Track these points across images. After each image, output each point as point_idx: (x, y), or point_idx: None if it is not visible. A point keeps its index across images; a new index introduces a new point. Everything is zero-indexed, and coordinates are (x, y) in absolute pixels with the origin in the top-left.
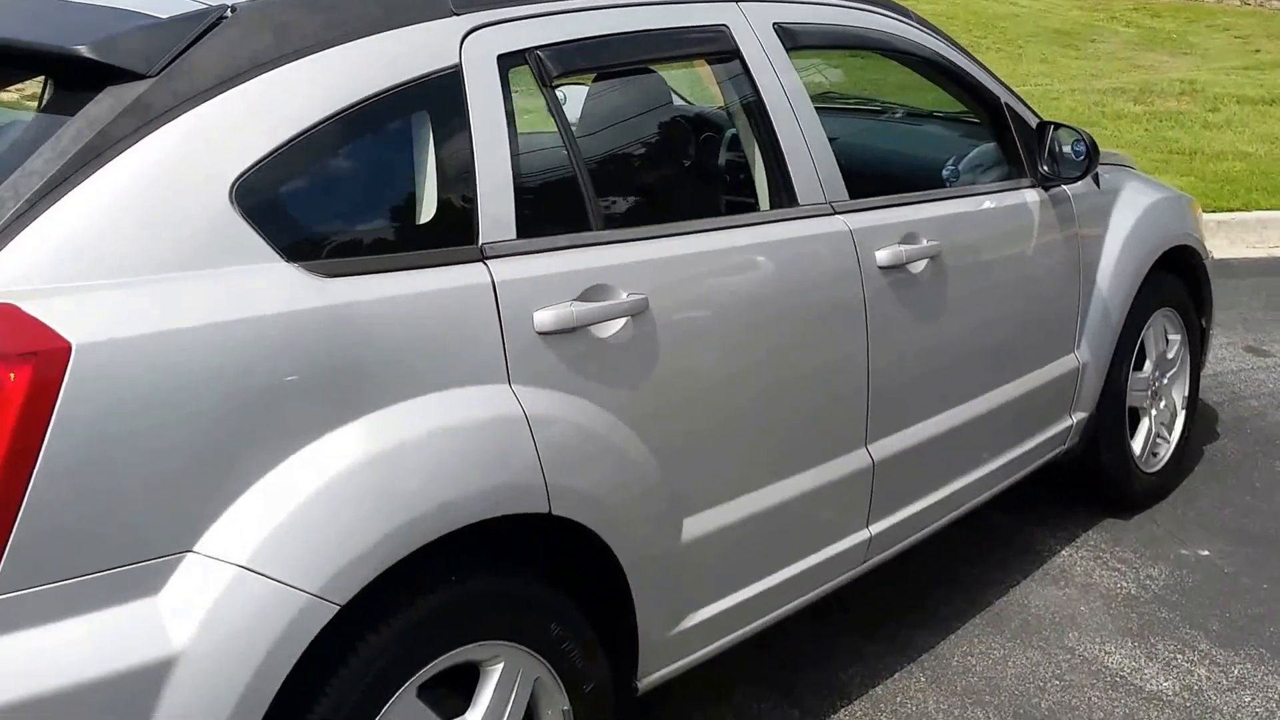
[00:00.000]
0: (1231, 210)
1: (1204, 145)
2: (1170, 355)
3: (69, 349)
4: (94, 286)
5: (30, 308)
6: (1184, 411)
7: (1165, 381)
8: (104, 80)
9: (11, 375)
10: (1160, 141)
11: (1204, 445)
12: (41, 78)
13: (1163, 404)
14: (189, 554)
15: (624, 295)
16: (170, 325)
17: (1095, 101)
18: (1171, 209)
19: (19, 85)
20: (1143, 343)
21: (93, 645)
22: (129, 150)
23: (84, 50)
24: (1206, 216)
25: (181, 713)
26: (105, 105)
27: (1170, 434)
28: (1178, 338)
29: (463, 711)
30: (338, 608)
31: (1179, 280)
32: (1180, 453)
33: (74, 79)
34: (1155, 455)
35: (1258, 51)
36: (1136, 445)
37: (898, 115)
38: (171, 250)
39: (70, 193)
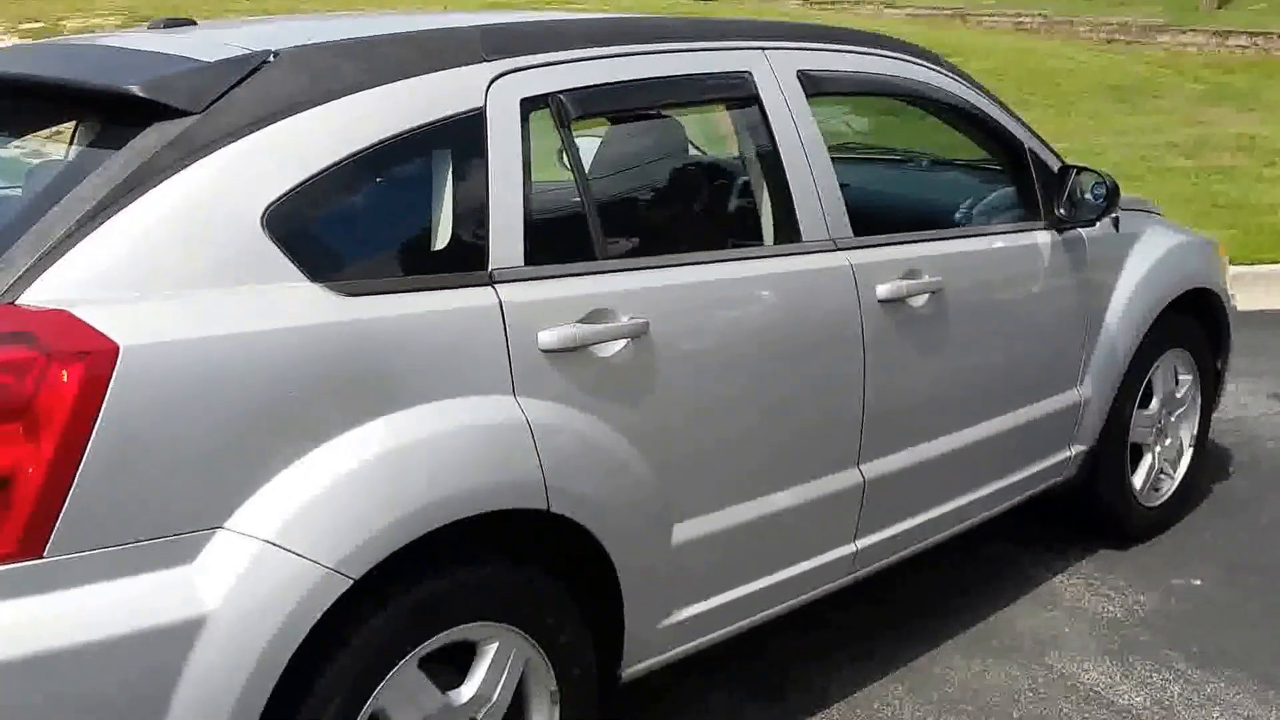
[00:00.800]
0: (1273, 262)
1: (1253, 199)
2: (1180, 395)
3: (117, 350)
4: (139, 297)
5: (82, 313)
6: (1191, 450)
7: (1173, 420)
8: (152, 116)
9: (64, 374)
10: (1206, 195)
11: (1214, 484)
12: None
13: (1168, 441)
14: (220, 530)
15: (625, 319)
16: (206, 333)
17: (1142, 156)
18: (1191, 253)
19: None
20: (1151, 381)
21: (134, 603)
22: (172, 178)
23: (137, 90)
24: (1247, 268)
25: (210, 666)
26: (152, 138)
27: (1175, 471)
28: (1189, 378)
29: (458, 685)
30: (351, 581)
31: (1195, 322)
32: (1185, 489)
33: (125, 115)
34: (1157, 490)
35: None
36: (1138, 480)
37: (922, 161)
38: (208, 268)
39: (117, 215)
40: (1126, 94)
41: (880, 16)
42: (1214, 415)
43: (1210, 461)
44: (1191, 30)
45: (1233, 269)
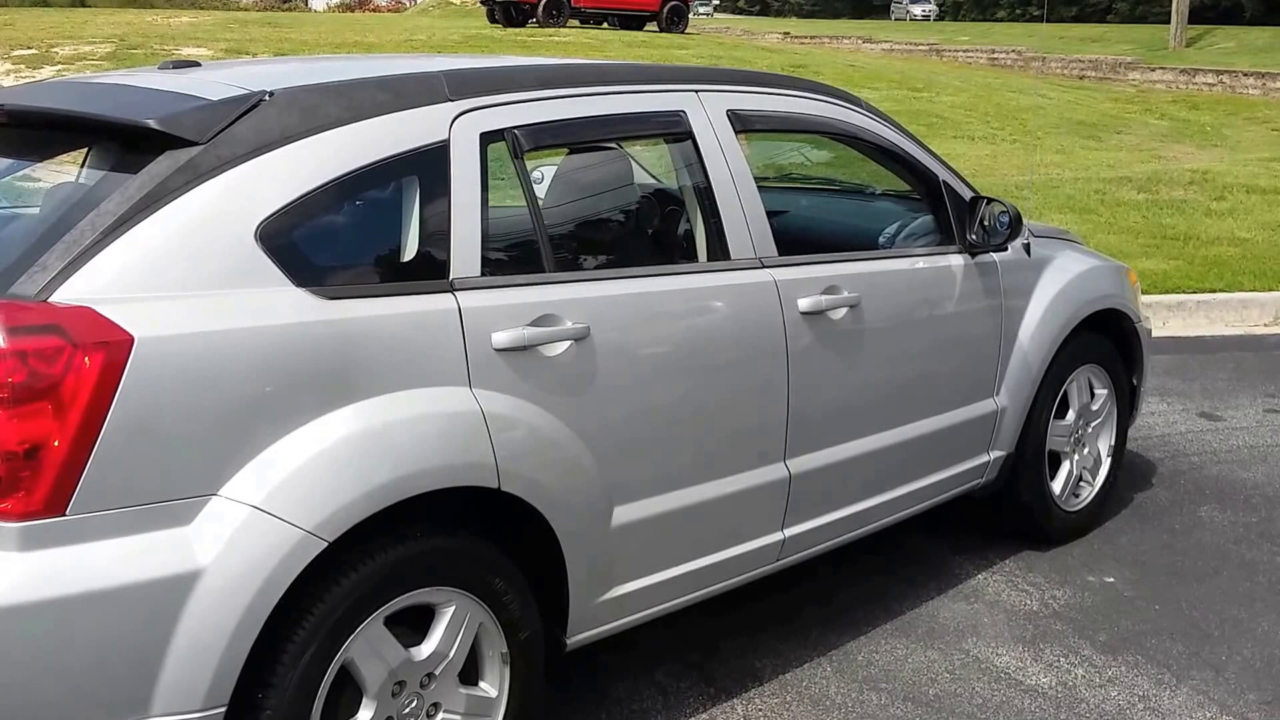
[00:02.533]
0: (1214, 291)
1: (1201, 231)
2: (1095, 407)
3: (132, 341)
4: (152, 297)
5: (104, 310)
6: (1110, 459)
7: (1089, 431)
8: (165, 145)
9: (86, 360)
10: (1156, 227)
11: (1135, 493)
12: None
13: (1086, 450)
14: (214, 496)
15: (569, 323)
16: (207, 328)
17: (1097, 190)
18: (1101, 276)
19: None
20: (1066, 393)
21: (141, 557)
22: (181, 198)
23: (153, 124)
24: (1190, 296)
25: (203, 613)
26: (164, 164)
27: (1094, 479)
28: (1104, 392)
29: (419, 643)
30: (326, 543)
31: (1108, 341)
32: (1104, 496)
33: (141, 144)
34: (1077, 496)
35: None
36: (1057, 486)
37: (850, 191)
38: (210, 273)
39: (135, 228)
40: (1093, 130)
41: (859, 50)
42: (1145, 432)
43: (1135, 473)
44: (1160, 68)
45: (1175, 297)
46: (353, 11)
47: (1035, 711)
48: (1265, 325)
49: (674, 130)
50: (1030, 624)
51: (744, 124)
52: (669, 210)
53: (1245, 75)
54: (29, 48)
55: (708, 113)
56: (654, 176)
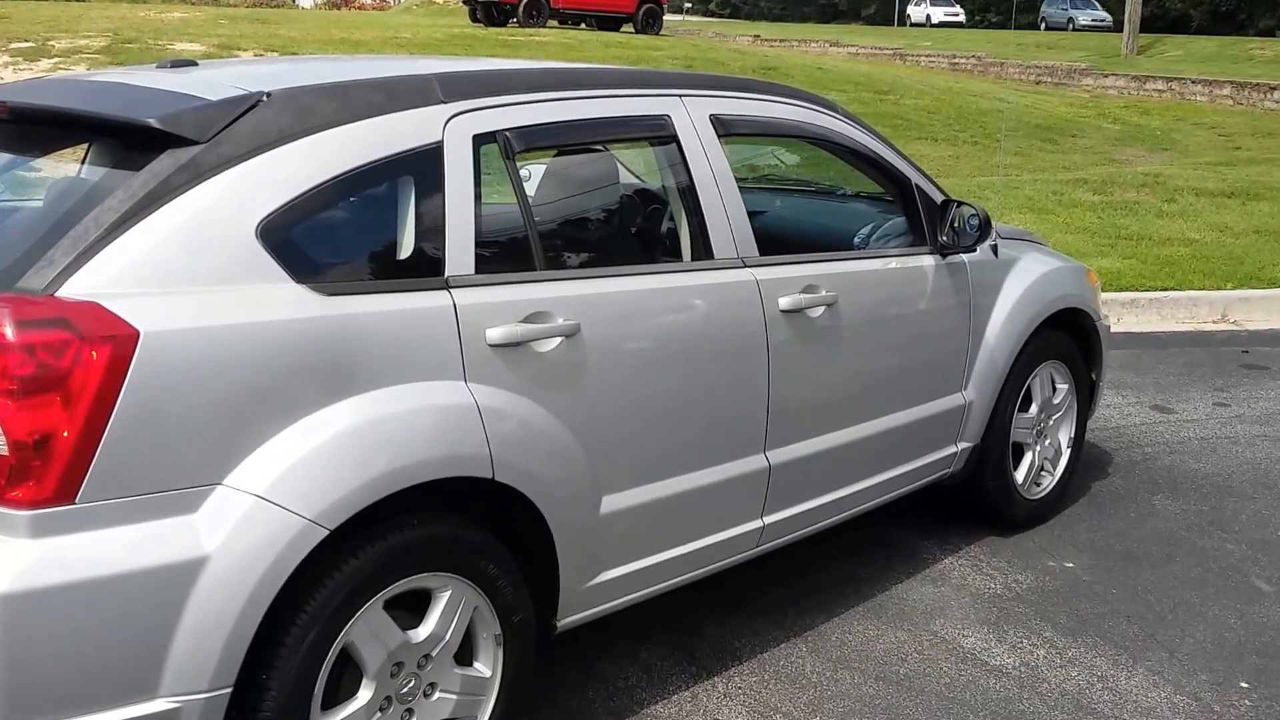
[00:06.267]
0: (1166, 289)
1: (1153, 232)
2: (1057, 401)
3: (137, 335)
4: (156, 292)
5: (110, 305)
6: (1069, 450)
7: (1051, 423)
8: (167, 144)
9: (94, 354)
10: (1110, 228)
11: (1092, 482)
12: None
13: (1048, 442)
14: (219, 486)
15: (560, 320)
16: (210, 323)
17: (1054, 191)
18: (1063, 277)
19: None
20: (1030, 388)
21: (148, 544)
22: (183, 196)
23: (155, 122)
24: (1142, 294)
25: (209, 598)
26: (166, 162)
27: (1055, 469)
28: (1065, 387)
29: (416, 626)
30: (328, 531)
31: (1069, 338)
32: (1064, 485)
33: (143, 143)
34: (1038, 485)
35: (1238, 149)
36: (1019, 475)
37: (827, 193)
38: (212, 270)
39: (138, 224)
40: (1049, 133)
41: (826, 53)
42: (1101, 424)
43: (1092, 463)
44: (1113, 74)
45: (1129, 295)
46: (339, 9)
47: (1000, 690)
48: (1214, 322)
49: (659, 134)
50: (994, 607)
51: (727, 128)
52: (654, 211)
53: (1193, 82)
54: (26, 41)
55: (691, 117)
56: (639, 178)
